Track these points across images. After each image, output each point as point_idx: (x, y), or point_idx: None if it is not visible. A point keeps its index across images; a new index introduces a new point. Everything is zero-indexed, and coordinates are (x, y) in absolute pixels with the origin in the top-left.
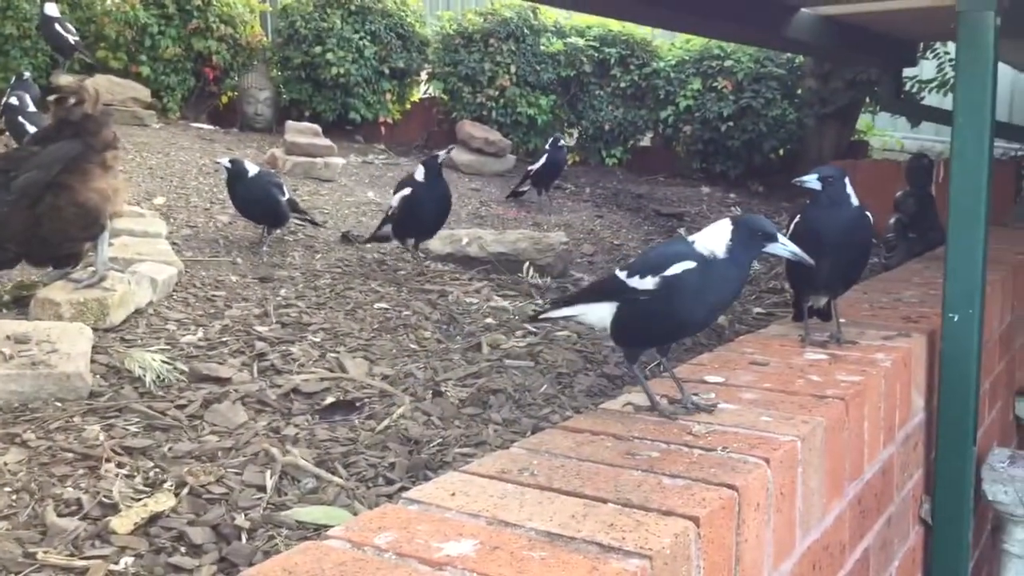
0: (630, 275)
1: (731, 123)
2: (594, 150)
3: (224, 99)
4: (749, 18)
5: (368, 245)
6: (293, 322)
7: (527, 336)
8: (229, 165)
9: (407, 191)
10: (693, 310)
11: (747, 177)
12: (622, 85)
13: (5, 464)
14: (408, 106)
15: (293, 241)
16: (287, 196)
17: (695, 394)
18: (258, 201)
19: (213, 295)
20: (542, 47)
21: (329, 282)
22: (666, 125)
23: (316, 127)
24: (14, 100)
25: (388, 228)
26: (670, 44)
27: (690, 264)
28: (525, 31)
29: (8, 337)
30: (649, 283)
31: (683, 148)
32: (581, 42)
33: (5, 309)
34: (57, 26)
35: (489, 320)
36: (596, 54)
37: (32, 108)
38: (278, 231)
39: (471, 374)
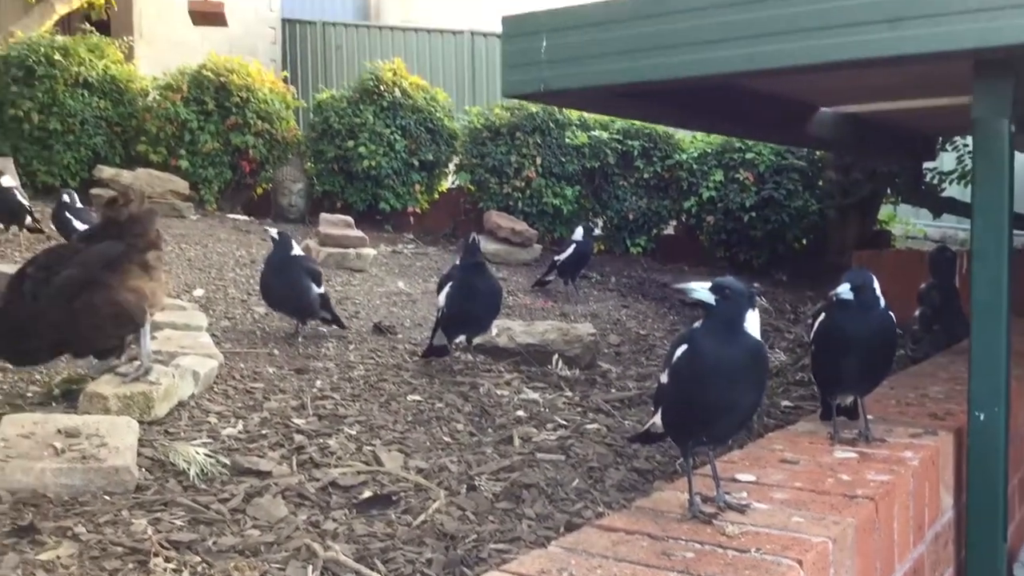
0: (661, 372)
1: (754, 213)
2: (619, 239)
3: (259, 191)
4: (769, 119)
5: (398, 335)
6: (329, 414)
7: (558, 429)
8: (277, 236)
9: (452, 286)
10: (702, 391)
11: (771, 266)
12: (645, 176)
13: (58, 558)
14: (436, 196)
15: (327, 332)
16: (321, 290)
17: (727, 493)
18: (289, 285)
19: (252, 387)
20: (567, 140)
21: (363, 373)
22: (689, 215)
23: (348, 219)
24: (65, 197)
25: (440, 335)
26: (692, 137)
27: (685, 346)
28: (550, 124)
29: (59, 431)
30: (665, 376)
31: (707, 237)
32: (605, 135)
33: (55, 403)
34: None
35: (520, 412)
36: (620, 146)
37: (79, 204)
38: (311, 323)
39: (504, 468)
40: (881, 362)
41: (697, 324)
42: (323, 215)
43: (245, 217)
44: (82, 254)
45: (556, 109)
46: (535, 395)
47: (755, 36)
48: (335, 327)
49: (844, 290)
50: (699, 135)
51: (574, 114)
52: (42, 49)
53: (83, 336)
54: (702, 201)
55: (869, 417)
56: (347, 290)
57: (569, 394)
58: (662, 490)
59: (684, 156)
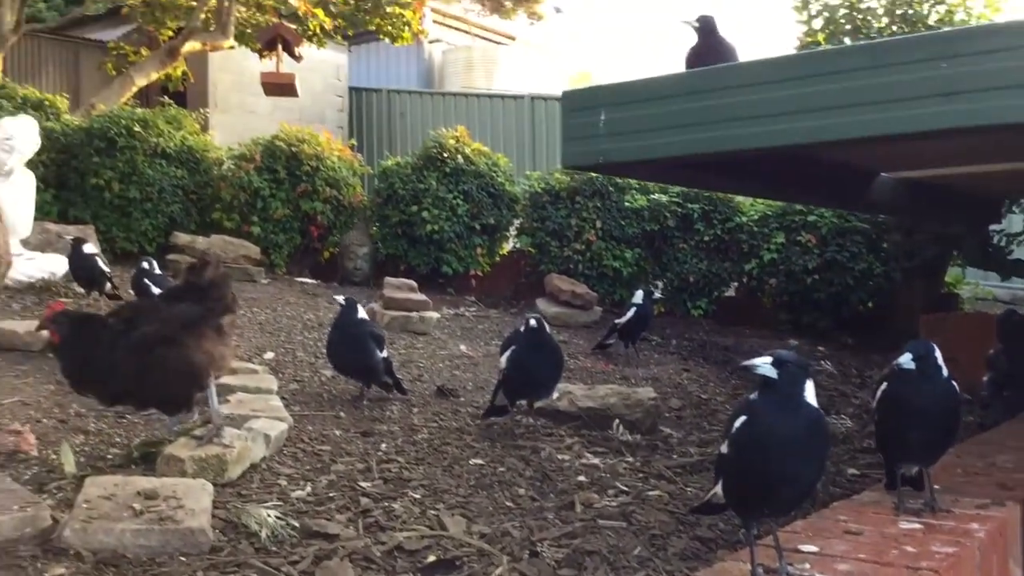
0: (721, 442)
1: (817, 276)
2: (679, 302)
3: (326, 255)
4: (828, 186)
5: (461, 399)
6: (394, 477)
7: (619, 495)
8: (344, 302)
9: (515, 349)
10: (763, 462)
11: (836, 329)
12: (706, 239)
13: None
14: (497, 259)
15: (391, 396)
16: (385, 354)
17: (790, 564)
18: (355, 350)
19: (320, 449)
20: (626, 203)
21: (427, 436)
22: (751, 277)
23: (412, 283)
24: (144, 264)
25: (502, 397)
26: (752, 200)
27: (745, 417)
28: (610, 188)
29: (139, 493)
30: (725, 447)
31: (769, 300)
32: (664, 199)
33: (134, 465)
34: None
35: (581, 478)
36: (679, 209)
37: (158, 271)
38: (375, 387)
39: (565, 534)
40: (945, 432)
41: (754, 395)
42: (387, 279)
43: (313, 281)
44: (163, 312)
45: None
46: (596, 460)
47: (809, 111)
48: (396, 392)
49: (906, 360)
50: (759, 198)
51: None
52: (123, 121)
53: (148, 389)
54: (763, 263)
55: (935, 487)
56: (410, 353)
57: (630, 459)
58: (724, 560)
59: (744, 218)
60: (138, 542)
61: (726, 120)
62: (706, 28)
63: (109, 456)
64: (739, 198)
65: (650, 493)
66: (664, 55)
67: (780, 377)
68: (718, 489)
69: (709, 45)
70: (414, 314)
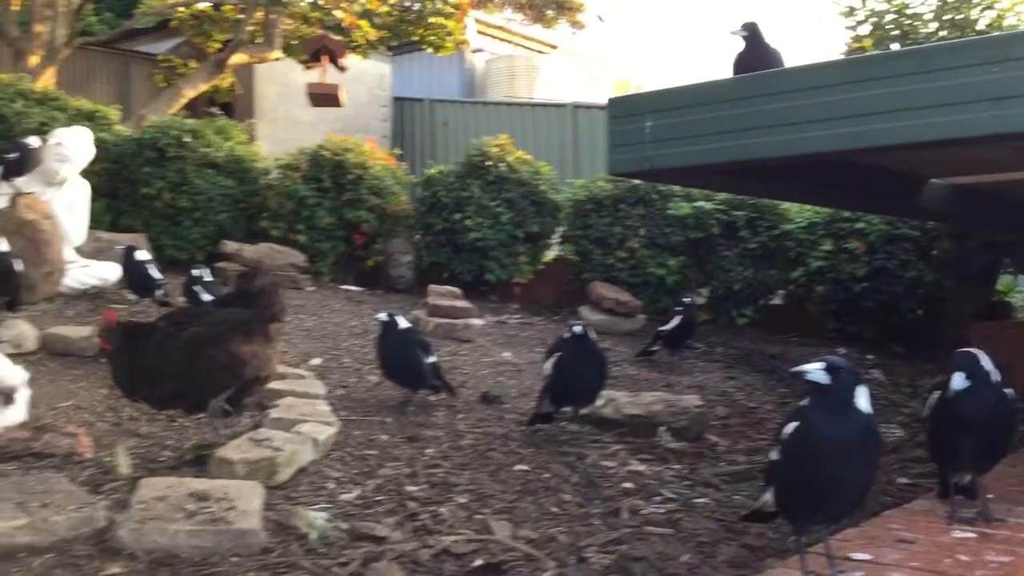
0: (772, 449)
1: (865, 284)
2: (724, 310)
3: (371, 263)
4: (877, 192)
5: (506, 405)
6: (440, 482)
7: (666, 502)
8: (386, 318)
9: (560, 355)
10: (815, 468)
11: (885, 338)
12: (751, 246)
13: None
14: (540, 267)
15: (436, 401)
16: (432, 359)
17: (842, 572)
18: (402, 357)
19: (366, 454)
20: (670, 211)
21: (472, 442)
22: (797, 285)
23: (456, 290)
24: (195, 271)
25: (547, 403)
26: (799, 206)
27: (795, 423)
28: (654, 196)
29: (191, 494)
30: (776, 453)
31: (817, 308)
32: (709, 206)
33: (187, 467)
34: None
35: (627, 484)
36: (724, 217)
37: (208, 278)
38: (421, 393)
39: (612, 540)
40: (999, 440)
41: (804, 401)
42: (431, 286)
43: (357, 288)
44: (212, 315)
45: None
46: (642, 467)
47: (857, 116)
48: (444, 395)
49: (958, 380)
50: (807, 205)
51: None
52: (173, 131)
53: (197, 390)
54: (811, 271)
55: (988, 496)
56: (455, 360)
57: (676, 467)
58: (775, 568)
59: (791, 226)
60: (191, 542)
61: (774, 126)
62: (752, 35)
63: (161, 458)
64: (786, 205)
65: (697, 501)
66: (706, 62)
67: (832, 383)
68: (768, 497)
69: (755, 52)
70: (458, 321)
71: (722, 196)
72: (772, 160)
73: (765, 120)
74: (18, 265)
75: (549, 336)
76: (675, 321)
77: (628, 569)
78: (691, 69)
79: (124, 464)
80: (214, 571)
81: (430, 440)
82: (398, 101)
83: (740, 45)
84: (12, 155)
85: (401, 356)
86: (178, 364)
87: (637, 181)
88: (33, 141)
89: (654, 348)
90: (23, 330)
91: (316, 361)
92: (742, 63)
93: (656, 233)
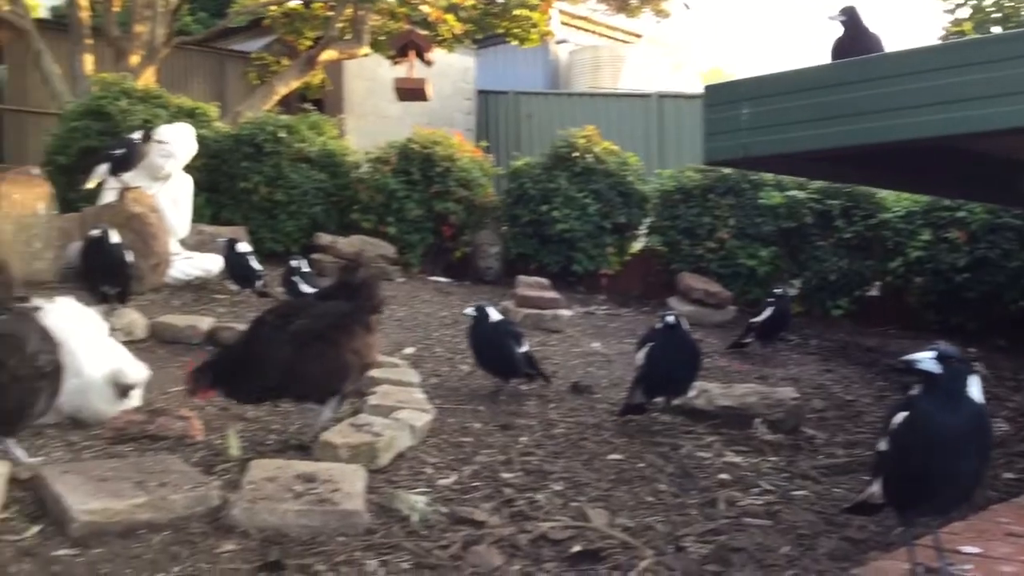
0: (879, 440)
1: (967, 274)
2: (818, 301)
3: (458, 254)
4: (978, 179)
5: (596, 395)
6: (535, 469)
7: (764, 494)
8: (476, 313)
9: (652, 345)
10: (926, 458)
11: (987, 330)
12: (846, 236)
13: None
14: (628, 258)
15: (527, 391)
16: (524, 348)
17: (951, 564)
18: (495, 348)
19: (461, 441)
20: (761, 200)
21: (564, 431)
22: (895, 276)
23: (545, 281)
24: (293, 263)
25: (639, 394)
26: (896, 195)
27: (905, 413)
28: (744, 185)
29: (298, 476)
30: (884, 443)
31: (916, 300)
32: (802, 195)
33: (293, 451)
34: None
35: (723, 476)
36: (818, 206)
37: (306, 269)
38: (513, 382)
39: (710, 530)
40: None
41: (914, 391)
42: (520, 277)
43: (445, 279)
44: (317, 308)
45: None
46: (738, 458)
47: (956, 101)
48: (536, 384)
49: None
50: (904, 193)
51: (769, 174)
52: (269, 127)
53: (302, 382)
54: (909, 261)
55: None
56: (545, 350)
57: (773, 459)
58: (879, 560)
59: (889, 215)
60: (300, 522)
61: (872, 112)
62: (851, 20)
63: (268, 442)
64: (883, 193)
65: (796, 493)
66: (796, 49)
67: (944, 372)
68: (875, 488)
69: (854, 37)
70: (547, 312)
71: (816, 185)
72: (871, 146)
73: (865, 106)
74: (129, 257)
75: (638, 327)
76: (767, 312)
77: (727, 559)
78: (781, 56)
79: (235, 446)
80: (322, 550)
81: (523, 428)
82: (482, 94)
83: (839, 30)
84: (118, 151)
85: (494, 346)
86: (286, 357)
87: (727, 170)
88: (136, 136)
89: (746, 340)
90: (133, 319)
91: (409, 350)
92: (841, 48)
93: (747, 223)
